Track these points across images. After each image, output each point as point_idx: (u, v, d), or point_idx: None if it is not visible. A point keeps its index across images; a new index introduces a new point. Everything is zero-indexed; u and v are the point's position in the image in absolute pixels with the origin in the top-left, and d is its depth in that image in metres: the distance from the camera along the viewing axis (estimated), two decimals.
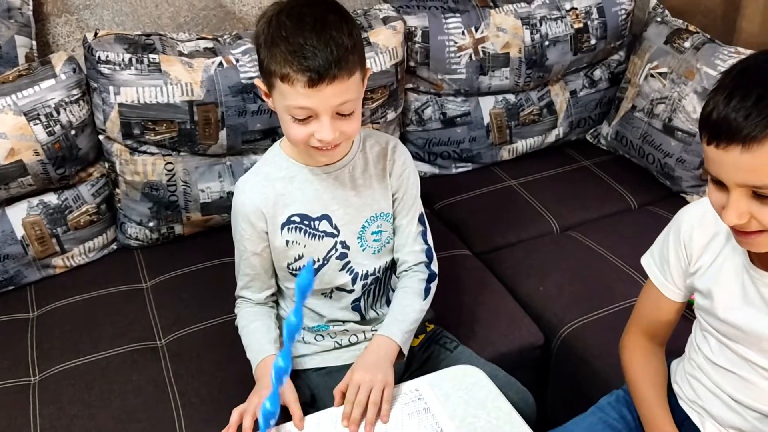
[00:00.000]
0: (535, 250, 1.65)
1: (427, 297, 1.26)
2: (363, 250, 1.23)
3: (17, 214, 1.53)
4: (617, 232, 1.66)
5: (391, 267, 1.30)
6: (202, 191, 1.65)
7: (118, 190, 1.64)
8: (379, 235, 1.24)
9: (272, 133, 1.65)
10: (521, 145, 1.97)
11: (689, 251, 1.05)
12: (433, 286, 1.27)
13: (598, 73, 2.01)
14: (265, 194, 1.18)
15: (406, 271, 1.27)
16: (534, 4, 1.88)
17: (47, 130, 1.47)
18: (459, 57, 1.82)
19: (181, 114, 1.56)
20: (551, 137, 2.00)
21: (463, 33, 1.81)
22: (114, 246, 1.69)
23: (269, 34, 1.04)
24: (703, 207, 1.03)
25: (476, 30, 1.82)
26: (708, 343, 1.07)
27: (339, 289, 1.24)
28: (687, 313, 1.13)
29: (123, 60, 1.52)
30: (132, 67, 1.52)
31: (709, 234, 1.03)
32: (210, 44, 1.62)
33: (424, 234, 1.28)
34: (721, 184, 0.87)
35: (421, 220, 1.27)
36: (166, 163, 1.61)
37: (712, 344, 1.06)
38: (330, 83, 1.02)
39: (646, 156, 1.83)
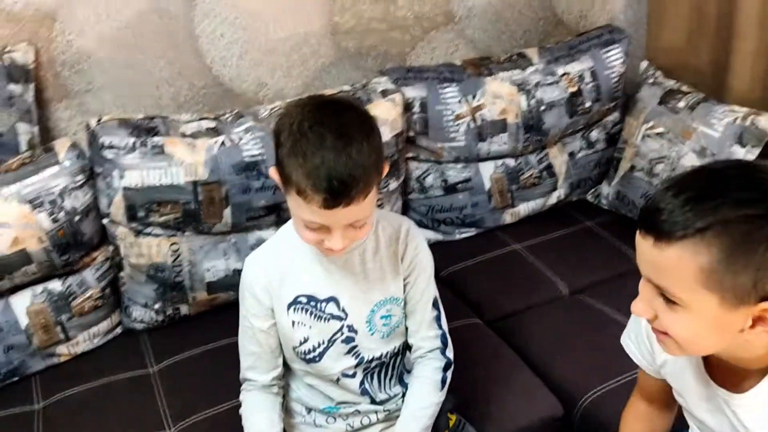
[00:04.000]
0: (546, 315, 1.63)
1: (444, 387, 1.23)
2: (371, 334, 1.21)
3: (21, 303, 1.51)
4: (627, 294, 1.62)
5: (402, 350, 1.28)
6: (208, 270, 1.64)
7: (122, 273, 1.62)
8: (388, 320, 1.21)
9: (277, 209, 1.65)
10: (523, 208, 1.98)
11: (651, 346, 1.02)
12: (449, 374, 1.25)
13: (594, 134, 2.03)
14: (273, 271, 1.18)
15: (420, 357, 1.25)
16: (528, 71, 1.91)
17: (51, 217, 1.46)
18: (457, 125, 1.84)
19: (185, 194, 1.56)
20: (552, 199, 2.01)
21: (459, 102, 1.84)
22: (119, 330, 1.67)
23: (289, 139, 1.02)
24: None
25: (473, 98, 1.85)
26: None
27: (344, 374, 1.22)
28: None
29: (127, 144, 1.52)
30: (136, 151, 1.52)
31: None
32: (212, 124, 1.64)
33: (438, 319, 1.25)
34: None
35: (435, 305, 1.25)
36: (171, 244, 1.60)
37: None
38: (346, 206, 1.00)
39: None
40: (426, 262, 1.24)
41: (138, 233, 1.58)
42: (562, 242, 1.90)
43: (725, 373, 0.91)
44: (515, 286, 1.74)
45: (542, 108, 1.90)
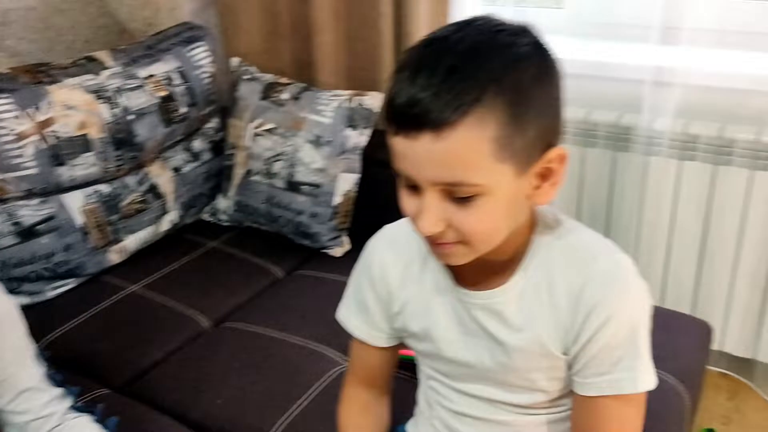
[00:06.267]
0: (192, 358, 1.30)
1: None
2: None
3: None
4: (280, 309, 1.43)
5: None
6: None
7: None
8: None
9: None
10: (131, 241, 1.60)
11: (387, 289, 0.88)
12: None
13: (197, 144, 1.77)
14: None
15: None
16: (104, 75, 1.56)
17: None
18: (22, 148, 1.39)
19: None
20: (165, 225, 1.68)
21: (18, 117, 1.39)
22: None
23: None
24: (392, 231, 0.89)
25: (36, 111, 1.42)
26: (442, 393, 0.90)
27: None
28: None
29: None
30: None
31: (402, 262, 0.87)
32: None
33: None
34: (414, 188, 0.71)
35: None
36: None
37: (448, 394, 0.89)
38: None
39: (276, 219, 1.66)
40: None
41: None
42: (189, 271, 1.58)
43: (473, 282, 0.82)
44: (145, 336, 1.36)
45: (130, 117, 1.57)
